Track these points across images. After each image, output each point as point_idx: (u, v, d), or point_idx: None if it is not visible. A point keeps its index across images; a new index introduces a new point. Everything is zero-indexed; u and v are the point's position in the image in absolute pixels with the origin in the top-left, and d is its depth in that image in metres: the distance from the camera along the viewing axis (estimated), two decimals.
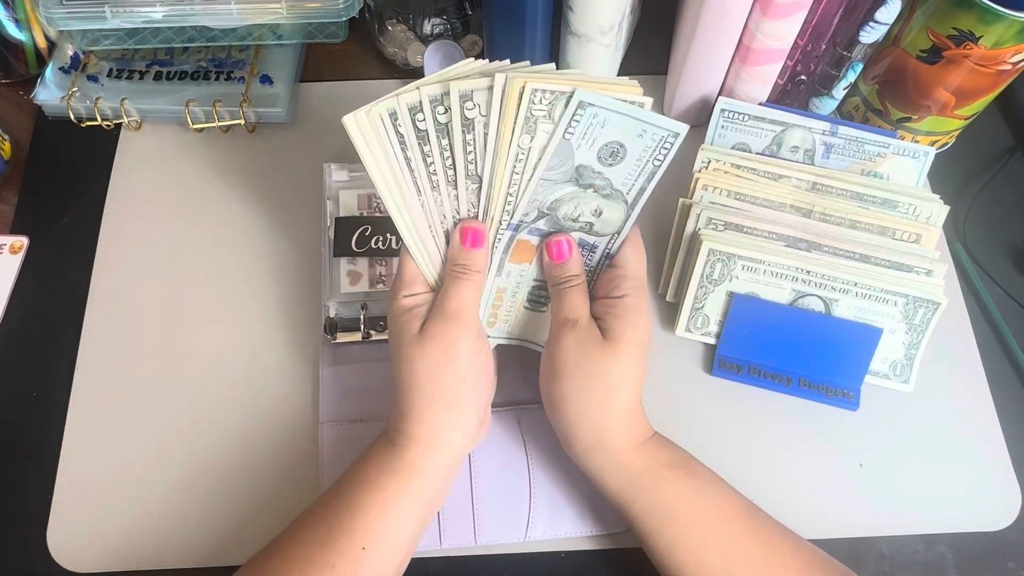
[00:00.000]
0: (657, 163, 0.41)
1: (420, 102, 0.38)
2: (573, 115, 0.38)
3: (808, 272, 0.50)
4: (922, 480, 0.50)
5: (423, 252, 0.42)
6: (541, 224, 0.43)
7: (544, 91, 0.38)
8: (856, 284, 0.50)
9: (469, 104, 0.38)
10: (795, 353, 0.51)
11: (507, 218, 0.42)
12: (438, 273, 0.43)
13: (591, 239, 0.44)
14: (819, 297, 0.51)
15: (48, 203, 0.59)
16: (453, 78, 0.38)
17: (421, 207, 0.41)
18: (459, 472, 0.46)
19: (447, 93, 0.38)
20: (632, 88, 0.39)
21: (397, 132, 0.39)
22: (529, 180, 0.41)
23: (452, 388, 0.41)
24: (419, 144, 0.39)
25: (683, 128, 0.40)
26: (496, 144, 0.39)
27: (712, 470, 0.43)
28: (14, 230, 0.58)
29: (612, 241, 0.44)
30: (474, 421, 0.43)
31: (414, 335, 0.41)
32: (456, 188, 0.41)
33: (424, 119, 0.39)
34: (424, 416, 0.41)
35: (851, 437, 0.51)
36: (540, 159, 0.40)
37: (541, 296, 0.46)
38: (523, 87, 0.38)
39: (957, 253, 0.58)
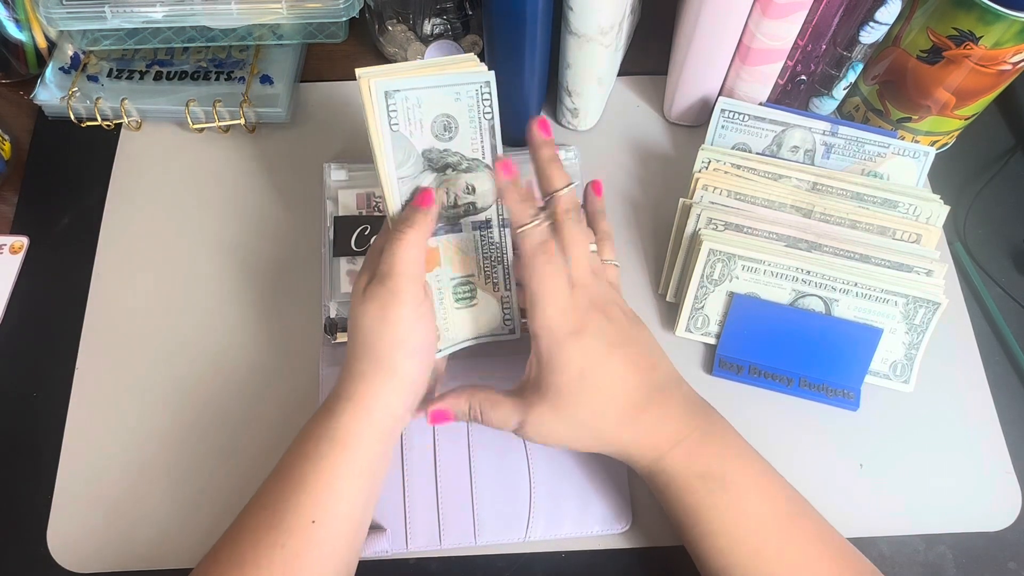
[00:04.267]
0: (488, 117, 0.41)
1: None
2: (387, 107, 0.39)
3: (808, 272, 0.50)
4: (922, 480, 0.50)
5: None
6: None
7: (391, 91, 0.39)
8: (856, 284, 0.50)
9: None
10: (795, 353, 0.51)
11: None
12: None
13: (482, 216, 0.44)
14: (819, 297, 0.51)
15: (48, 203, 0.59)
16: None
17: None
18: (395, 443, 0.45)
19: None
20: (468, 63, 0.40)
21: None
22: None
23: (389, 351, 0.40)
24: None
25: (489, 75, 0.40)
26: (372, 151, 0.40)
27: (759, 468, 0.42)
28: (14, 230, 0.58)
29: (500, 208, 0.44)
30: (410, 389, 0.42)
31: (360, 290, 0.41)
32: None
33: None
34: (362, 377, 0.41)
35: (851, 437, 0.51)
36: (385, 160, 0.40)
37: (467, 292, 0.46)
38: (368, 86, 0.38)
39: (957, 253, 0.58)
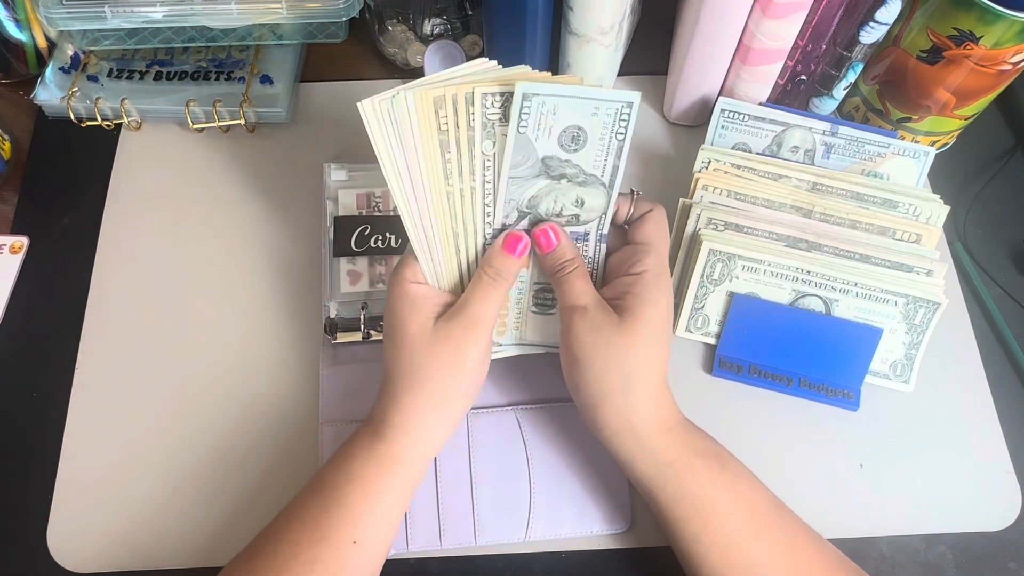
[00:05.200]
0: (620, 137, 0.40)
1: (447, 98, 0.38)
2: (520, 108, 0.38)
3: (808, 272, 0.50)
4: (922, 480, 0.50)
5: (425, 247, 0.42)
6: (525, 224, 0.43)
7: (493, 94, 0.38)
8: (856, 284, 0.50)
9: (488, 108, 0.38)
10: (795, 353, 0.51)
11: (488, 227, 0.42)
12: (435, 272, 0.43)
13: (581, 228, 0.43)
14: (819, 297, 0.51)
15: (48, 203, 0.59)
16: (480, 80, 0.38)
17: (426, 203, 0.41)
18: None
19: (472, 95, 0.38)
20: (574, 80, 0.39)
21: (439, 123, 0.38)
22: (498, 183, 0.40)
23: (452, 388, 0.41)
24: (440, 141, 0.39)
25: (635, 96, 0.39)
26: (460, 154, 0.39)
27: (742, 464, 0.43)
28: (14, 230, 0.58)
29: (601, 223, 0.43)
30: (460, 419, 0.44)
31: (426, 330, 0.41)
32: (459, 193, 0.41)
33: (448, 117, 0.38)
34: (416, 410, 0.41)
35: (851, 437, 0.51)
36: (503, 160, 0.40)
37: (547, 299, 0.46)
38: (471, 93, 0.37)
39: (957, 253, 0.58)
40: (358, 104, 0.36)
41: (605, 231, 0.44)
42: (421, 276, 0.42)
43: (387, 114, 0.37)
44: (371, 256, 0.53)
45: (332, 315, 0.52)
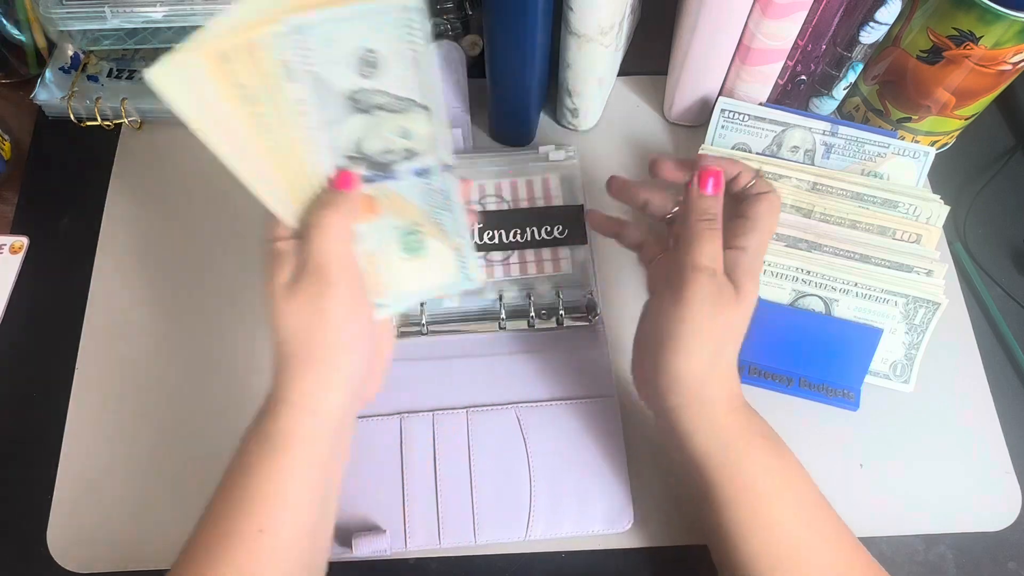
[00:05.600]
0: (416, 49, 0.35)
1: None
2: (298, 45, 0.34)
3: (808, 272, 0.50)
4: (922, 480, 0.50)
5: (275, 205, 0.38)
6: (364, 171, 0.39)
7: (272, 34, 0.33)
8: (856, 284, 0.50)
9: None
10: (795, 353, 0.51)
11: (325, 179, 0.38)
12: (294, 212, 0.38)
13: (421, 164, 0.39)
14: (819, 297, 0.51)
15: (48, 203, 0.59)
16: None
17: (256, 162, 0.37)
18: (352, 431, 0.42)
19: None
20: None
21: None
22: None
23: (326, 348, 0.38)
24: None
25: (403, 2, 0.34)
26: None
27: (794, 455, 0.43)
28: (14, 230, 0.58)
29: (439, 151, 0.39)
30: (354, 381, 0.40)
31: (283, 286, 0.38)
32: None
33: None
34: (297, 376, 0.38)
35: (851, 437, 0.51)
36: (306, 112, 0.36)
37: (415, 241, 0.42)
38: (253, 40, 0.33)
39: (957, 253, 0.58)
40: (145, 74, 0.32)
41: (448, 161, 0.40)
42: (285, 231, 0.39)
43: (179, 81, 0.33)
44: None
45: None
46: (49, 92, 0.60)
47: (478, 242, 0.53)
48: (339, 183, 0.38)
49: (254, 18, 0.33)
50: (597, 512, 0.48)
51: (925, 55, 0.52)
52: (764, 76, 0.56)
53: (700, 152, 0.55)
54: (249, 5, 0.33)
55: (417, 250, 0.42)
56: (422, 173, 0.40)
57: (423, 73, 0.36)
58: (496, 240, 0.54)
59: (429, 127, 0.38)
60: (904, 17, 0.52)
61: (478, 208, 0.54)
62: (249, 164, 0.36)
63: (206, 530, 0.38)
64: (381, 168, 0.39)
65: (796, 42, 0.54)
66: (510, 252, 0.54)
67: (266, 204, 0.38)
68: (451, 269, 0.43)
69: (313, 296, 0.37)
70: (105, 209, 0.58)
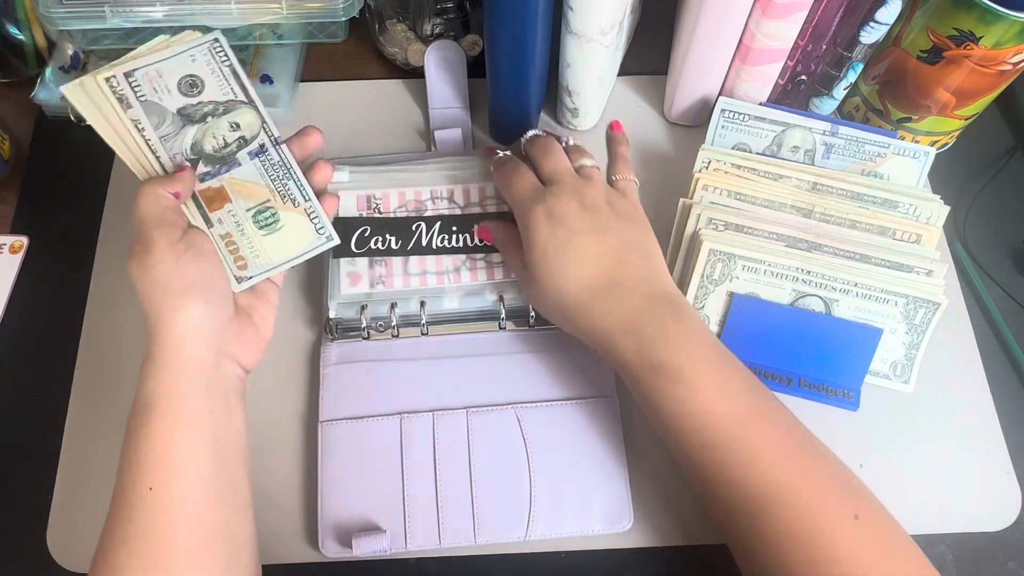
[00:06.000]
0: (227, 65, 0.47)
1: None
2: (129, 83, 0.45)
3: (808, 272, 0.50)
4: (922, 480, 0.50)
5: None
6: (204, 167, 0.47)
7: (111, 77, 0.45)
8: (856, 284, 0.50)
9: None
10: (795, 353, 0.51)
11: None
12: None
13: (255, 144, 0.48)
14: (819, 297, 0.51)
15: (48, 203, 0.59)
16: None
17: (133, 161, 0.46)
18: (237, 392, 0.44)
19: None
20: (162, 44, 0.46)
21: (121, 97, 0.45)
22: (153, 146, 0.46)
23: (163, 300, 0.41)
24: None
25: (214, 34, 0.47)
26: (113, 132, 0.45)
27: (723, 367, 0.43)
28: (14, 230, 0.58)
29: (268, 131, 0.48)
30: (211, 330, 0.42)
31: (130, 256, 0.43)
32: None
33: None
34: (154, 336, 0.41)
35: (851, 437, 0.51)
36: (144, 129, 0.45)
37: (268, 217, 0.47)
38: (97, 81, 0.44)
39: (957, 253, 0.58)
40: (61, 89, 0.44)
41: (276, 134, 0.48)
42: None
43: (75, 96, 0.44)
44: (371, 257, 0.53)
45: (332, 315, 0.52)
46: (49, 92, 0.60)
47: (478, 244, 0.53)
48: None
49: (116, 62, 0.45)
50: (597, 512, 0.48)
51: (925, 55, 0.53)
52: (764, 76, 0.56)
53: (701, 148, 0.55)
54: (133, 52, 0.46)
55: (272, 225, 0.48)
56: (258, 153, 0.48)
57: (239, 76, 0.47)
58: None
59: (254, 115, 0.48)
60: (904, 17, 0.52)
61: (477, 211, 0.54)
62: (126, 158, 0.46)
63: (113, 496, 0.40)
64: (221, 161, 0.47)
65: (796, 42, 0.54)
66: None
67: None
68: (308, 233, 0.48)
69: (137, 254, 0.42)
70: (105, 209, 0.58)
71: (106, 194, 0.59)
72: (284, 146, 0.48)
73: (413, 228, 0.53)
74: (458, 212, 0.54)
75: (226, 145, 0.47)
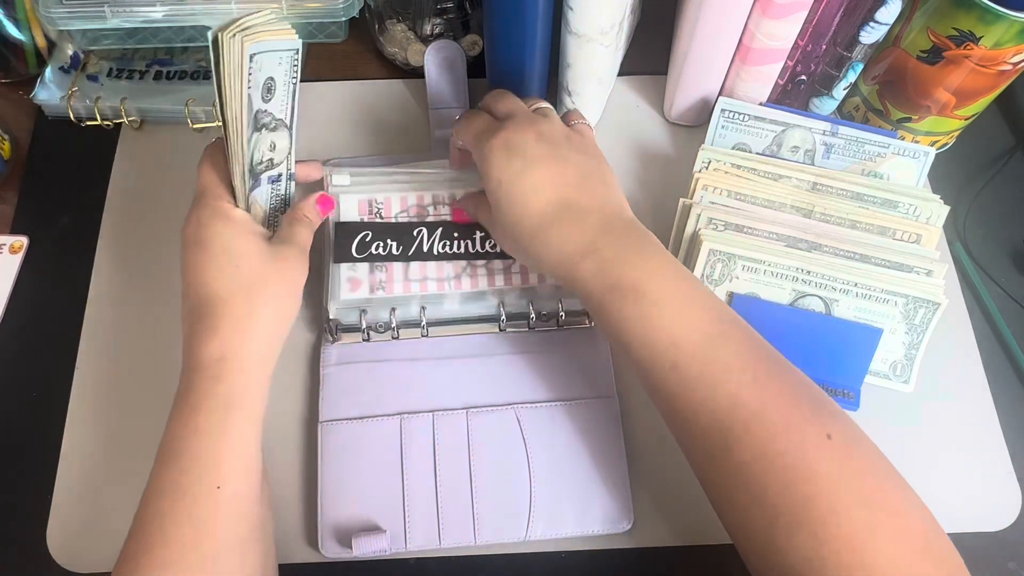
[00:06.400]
0: (294, 82, 0.45)
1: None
2: (248, 70, 0.40)
3: (808, 272, 0.50)
4: (921, 480, 0.50)
5: (240, 182, 0.45)
6: (249, 181, 0.45)
7: (254, 56, 0.41)
8: (856, 284, 0.50)
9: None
10: (795, 353, 0.51)
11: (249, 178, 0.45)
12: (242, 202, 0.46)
13: (276, 171, 0.47)
14: (819, 297, 0.51)
15: (48, 203, 0.59)
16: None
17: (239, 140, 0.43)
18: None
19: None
20: (281, 31, 0.42)
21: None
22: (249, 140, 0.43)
23: (288, 310, 0.46)
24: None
25: (296, 43, 0.43)
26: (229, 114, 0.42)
27: (684, 284, 0.41)
28: (14, 230, 0.58)
29: (288, 162, 0.48)
30: (272, 329, 0.45)
31: (264, 250, 0.45)
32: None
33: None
34: (256, 335, 0.43)
35: None
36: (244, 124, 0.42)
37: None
38: (244, 47, 0.40)
39: (957, 253, 0.58)
40: (218, 34, 0.40)
41: (292, 169, 0.48)
42: (230, 200, 0.45)
43: (237, 54, 0.40)
44: (372, 263, 0.53)
45: (332, 316, 0.52)
46: (49, 92, 0.60)
47: (479, 251, 0.53)
48: (323, 204, 0.50)
49: (249, 30, 0.40)
50: (597, 513, 0.48)
51: (925, 55, 0.52)
52: (764, 76, 0.56)
53: (701, 148, 0.55)
54: (251, 19, 0.41)
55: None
56: (275, 180, 0.48)
57: (294, 101, 0.45)
58: (497, 249, 0.53)
59: (288, 142, 0.47)
60: (904, 17, 0.52)
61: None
62: (231, 134, 0.43)
63: (162, 491, 0.39)
64: (254, 176, 0.46)
65: (796, 42, 0.54)
66: (512, 260, 0.54)
67: (236, 182, 0.45)
68: None
69: (297, 265, 0.45)
70: (105, 209, 0.58)
71: (106, 194, 0.59)
72: (293, 183, 0.48)
73: (415, 234, 0.53)
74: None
75: (262, 162, 0.46)
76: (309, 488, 0.49)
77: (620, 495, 0.48)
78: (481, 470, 0.48)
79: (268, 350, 0.44)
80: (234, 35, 0.39)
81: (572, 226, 0.43)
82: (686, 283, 0.41)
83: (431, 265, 0.53)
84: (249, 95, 0.41)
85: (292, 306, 0.46)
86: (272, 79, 0.42)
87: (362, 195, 0.55)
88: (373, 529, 0.47)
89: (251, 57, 0.40)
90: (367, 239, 0.53)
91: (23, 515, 0.48)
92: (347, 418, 0.50)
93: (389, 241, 0.53)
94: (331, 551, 0.46)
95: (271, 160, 0.46)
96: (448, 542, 0.47)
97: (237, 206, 0.46)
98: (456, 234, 0.53)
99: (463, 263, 0.53)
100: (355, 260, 0.53)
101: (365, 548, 0.46)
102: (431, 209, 0.54)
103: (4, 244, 0.57)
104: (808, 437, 0.37)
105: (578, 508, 0.48)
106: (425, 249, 0.53)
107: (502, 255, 0.53)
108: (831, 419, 0.38)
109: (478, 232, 0.53)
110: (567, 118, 0.50)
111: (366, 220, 0.54)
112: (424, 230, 0.53)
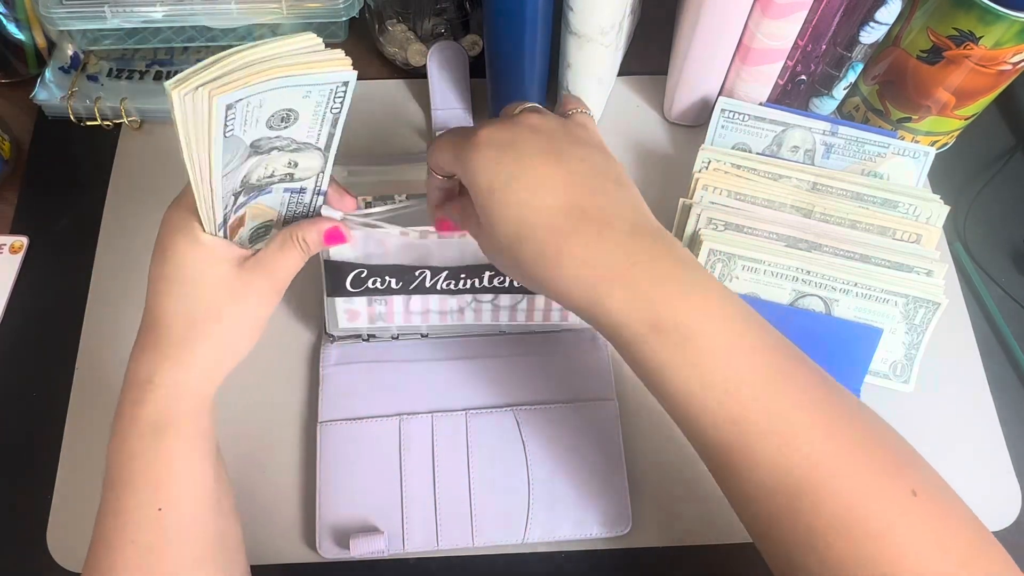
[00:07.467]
0: (336, 111, 0.38)
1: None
2: (225, 118, 0.34)
3: (808, 272, 0.50)
4: None
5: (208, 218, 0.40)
6: (242, 197, 0.41)
7: (231, 106, 0.34)
8: (856, 284, 0.50)
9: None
10: None
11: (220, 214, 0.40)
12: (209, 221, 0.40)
13: (296, 184, 0.42)
14: (819, 297, 0.51)
15: (48, 203, 0.59)
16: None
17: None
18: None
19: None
20: (333, 61, 0.36)
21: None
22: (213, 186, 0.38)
23: (244, 338, 0.41)
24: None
25: (350, 76, 0.35)
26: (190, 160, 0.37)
27: (734, 313, 0.34)
28: (14, 230, 0.58)
29: (319, 180, 0.42)
30: (218, 353, 0.41)
31: (229, 277, 0.40)
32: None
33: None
34: (198, 363, 0.39)
35: None
36: (211, 166, 0.36)
37: (262, 232, 0.45)
38: (212, 104, 0.34)
39: (957, 253, 0.58)
40: (167, 87, 0.34)
41: (324, 187, 0.43)
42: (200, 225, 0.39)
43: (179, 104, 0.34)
44: (369, 296, 0.49)
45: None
46: (49, 92, 0.60)
47: (487, 286, 0.49)
48: (329, 238, 0.43)
49: (230, 78, 0.34)
50: (595, 516, 0.48)
51: (925, 55, 0.52)
52: (764, 76, 0.56)
53: (701, 148, 0.55)
54: (247, 58, 0.34)
55: (263, 236, 0.45)
56: (295, 192, 0.43)
57: (336, 126, 0.39)
58: (506, 282, 0.49)
59: (319, 163, 0.41)
60: (904, 17, 0.52)
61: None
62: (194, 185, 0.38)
63: (106, 517, 0.38)
64: (257, 189, 0.41)
65: (796, 42, 0.54)
66: (520, 298, 0.49)
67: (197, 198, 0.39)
68: None
69: (264, 294, 0.40)
70: (105, 209, 0.58)
71: (106, 194, 0.59)
72: (323, 197, 0.43)
73: (416, 274, 0.48)
74: (469, 262, 0.48)
75: (272, 176, 0.41)
76: (307, 488, 0.49)
77: (619, 498, 0.48)
78: (479, 472, 0.48)
79: (204, 383, 0.40)
80: (196, 89, 0.34)
81: (590, 241, 0.33)
82: (737, 312, 0.34)
83: (434, 298, 0.49)
84: (232, 137, 0.36)
85: (244, 342, 0.41)
86: (290, 110, 0.37)
87: (361, 196, 0.54)
88: (371, 530, 0.47)
89: (230, 106, 0.34)
90: (362, 275, 0.48)
91: (23, 515, 0.48)
92: (346, 418, 0.50)
93: (387, 277, 0.48)
94: (329, 551, 0.46)
95: (289, 175, 0.41)
96: (446, 544, 0.47)
97: (204, 230, 0.40)
98: (463, 275, 0.48)
99: (468, 297, 0.49)
100: (351, 295, 0.49)
101: (363, 549, 0.46)
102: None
103: (4, 244, 0.57)
104: (891, 497, 0.31)
105: (577, 511, 0.48)
106: (427, 285, 0.49)
107: (511, 289, 0.49)
108: (913, 471, 0.33)
109: (487, 272, 0.48)
110: (564, 104, 0.40)
111: (359, 261, 0.48)
112: (427, 272, 0.48)
